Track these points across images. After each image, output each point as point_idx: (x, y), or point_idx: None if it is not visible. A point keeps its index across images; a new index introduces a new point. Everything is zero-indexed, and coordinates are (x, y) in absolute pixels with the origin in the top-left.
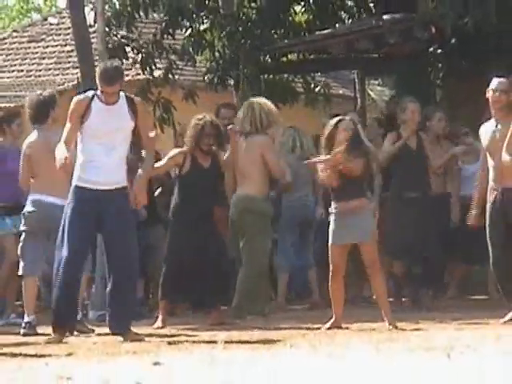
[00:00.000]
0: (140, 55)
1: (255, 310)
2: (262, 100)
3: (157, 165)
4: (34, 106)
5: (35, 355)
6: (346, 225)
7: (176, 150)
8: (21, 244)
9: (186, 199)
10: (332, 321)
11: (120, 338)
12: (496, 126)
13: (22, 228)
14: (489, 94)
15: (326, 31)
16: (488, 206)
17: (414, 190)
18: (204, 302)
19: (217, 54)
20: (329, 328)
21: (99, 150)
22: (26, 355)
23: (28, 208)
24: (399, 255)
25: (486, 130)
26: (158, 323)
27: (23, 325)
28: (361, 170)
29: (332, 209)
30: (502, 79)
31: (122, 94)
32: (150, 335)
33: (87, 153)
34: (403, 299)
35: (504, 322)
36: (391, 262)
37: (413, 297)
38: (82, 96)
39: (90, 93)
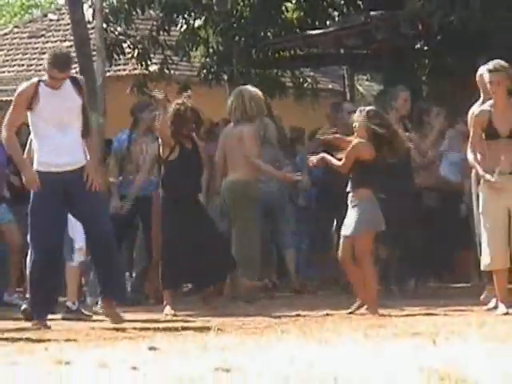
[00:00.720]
0: (136, 51)
1: (250, 276)
2: (251, 88)
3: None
4: None
5: (35, 340)
6: (348, 216)
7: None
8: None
9: (174, 180)
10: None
11: (117, 325)
12: None
13: None
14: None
15: (316, 30)
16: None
17: (397, 180)
18: (204, 281)
19: (211, 50)
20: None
21: (54, 133)
22: (26, 340)
23: None
24: (384, 239)
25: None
26: (168, 311)
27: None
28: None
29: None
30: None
31: None
32: (146, 321)
33: (43, 137)
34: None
35: (488, 309)
36: (377, 246)
37: (399, 283)
38: (26, 84)
39: (35, 79)
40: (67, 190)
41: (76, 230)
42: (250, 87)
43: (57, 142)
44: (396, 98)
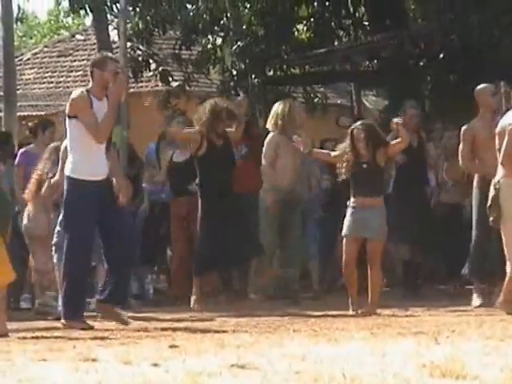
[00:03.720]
0: (160, 68)
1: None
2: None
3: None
4: None
5: (64, 338)
6: (361, 219)
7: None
8: (55, 240)
9: (207, 177)
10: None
11: (140, 324)
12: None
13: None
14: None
15: (325, 48)
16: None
17: (414, 184)
18: (229, 263)
19: (228, 66)
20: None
21: (93, 144)
22: (56, 338)
23: None
24: (404, 240)
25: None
26: (193, 302)
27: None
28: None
29: (350, 202)
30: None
31: None
32: (167, 321)
33: (84, 146)
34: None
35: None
36: (398, 249)
37: (411, 285)
38: (81, 92)
39: (83, 89)
40: (98, 199)
41: None
42: (290, 101)
43: (92, 152)
44: (405, 113)
